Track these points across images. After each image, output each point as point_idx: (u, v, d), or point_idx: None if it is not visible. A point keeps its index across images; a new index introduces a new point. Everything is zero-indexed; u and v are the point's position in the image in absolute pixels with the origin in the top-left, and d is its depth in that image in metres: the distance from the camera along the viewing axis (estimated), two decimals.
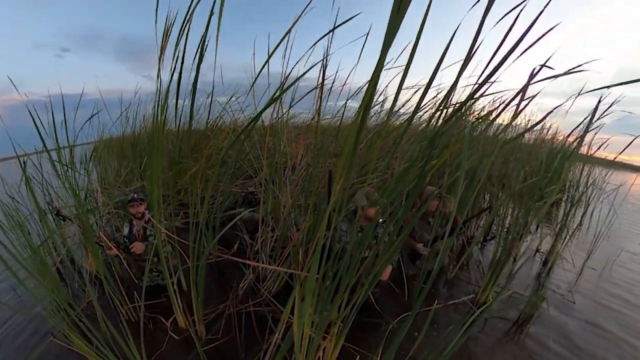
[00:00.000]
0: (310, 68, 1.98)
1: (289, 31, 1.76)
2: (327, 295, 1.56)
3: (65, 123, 2.77)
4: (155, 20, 1.62)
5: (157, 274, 2.75)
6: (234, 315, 2.54)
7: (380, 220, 2.30)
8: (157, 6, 1.57)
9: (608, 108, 2.84)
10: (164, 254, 2.18)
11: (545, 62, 1.19)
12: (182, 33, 1.55)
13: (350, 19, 1.83)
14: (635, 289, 3.40)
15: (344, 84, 2.88)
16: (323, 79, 2.31)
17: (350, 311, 1.63)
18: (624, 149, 2.85)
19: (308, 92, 2.44)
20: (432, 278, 1.30)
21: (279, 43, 1.72)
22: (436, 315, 2.69)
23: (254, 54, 2.58)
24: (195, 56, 1.58)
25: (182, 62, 1.59)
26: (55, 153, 2.53)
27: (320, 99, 2.39)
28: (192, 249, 2.10)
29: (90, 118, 3.32)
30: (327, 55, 2.26)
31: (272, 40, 2.42)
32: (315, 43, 2.05)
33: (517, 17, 1.09)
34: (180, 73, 1.62)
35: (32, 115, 2.27)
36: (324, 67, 2.28)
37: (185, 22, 1.51)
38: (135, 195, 2.62)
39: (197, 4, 1.48)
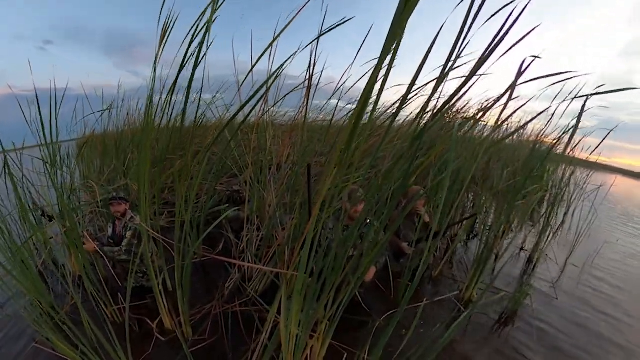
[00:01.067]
0: (284, 64, 1.96)
1: (279, 35, 1.75)
2: (313, 294, 1.57)
3: (56, 118, 2.69)
4: (159, 20, 1.61)
5: (141, 275, 2.70)
6: (220, 315, 2.53)
7: (368, 221, 2.29)
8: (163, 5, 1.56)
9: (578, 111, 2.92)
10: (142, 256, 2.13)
11: (533, 60, 1.21)
12: (195, 36, 1.54)
13: (339, 24, 1.84)
14: (616, 276, 3.69)
15: (337, 85, 2.87)
16: (311, 78, 2.31)
17: (336, 310, 1.63)
18: (595, 149, 3.08)
19: (293, 90, 2.43)
20: (418, 276, 1.31)
21: (268, 47, 1.71)
22: (422, 312, 2.72)
23: (234, 55, 2.56)
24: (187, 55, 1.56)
25: (183, 63, 1.58)
26: (39, 150, 2.46)
27: (308, 98, 2.39)
28: (177, 248, 2.07)
29: (82, 118, 3.23)
30: (315, 58, 2.26)
31: (255, 37, 2.40)
32: (304, 48, 2.05)
33: (510, 15, 1.10)
34: (180, 72, 1.60)
35: (22, 111, 2.20)
36: (312, 67, 2.28)
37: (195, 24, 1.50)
38: (115, 194, 2.57)
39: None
